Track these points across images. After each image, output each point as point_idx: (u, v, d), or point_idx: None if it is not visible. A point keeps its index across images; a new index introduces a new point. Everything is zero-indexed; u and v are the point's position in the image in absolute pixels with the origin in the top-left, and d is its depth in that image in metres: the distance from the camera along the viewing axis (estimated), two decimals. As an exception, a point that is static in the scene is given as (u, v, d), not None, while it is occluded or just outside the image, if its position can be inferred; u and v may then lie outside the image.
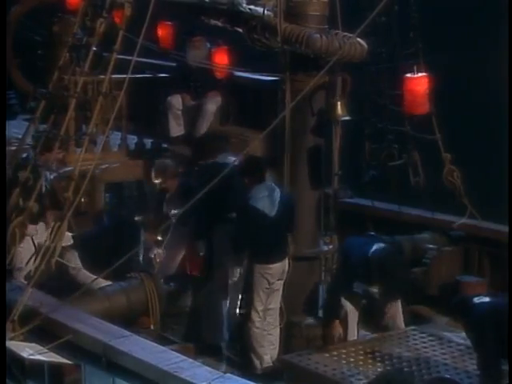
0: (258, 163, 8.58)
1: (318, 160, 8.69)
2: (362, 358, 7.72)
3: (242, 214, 8.42)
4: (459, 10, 12.30)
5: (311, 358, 7.67)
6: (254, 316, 8.23)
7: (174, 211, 8.92)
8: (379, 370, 7.38)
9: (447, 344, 7.97)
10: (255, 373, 8.11)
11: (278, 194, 8.31)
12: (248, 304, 8.35)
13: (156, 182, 9.17)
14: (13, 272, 7.91)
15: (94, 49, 7.49)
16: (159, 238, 8.58)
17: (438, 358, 7.78)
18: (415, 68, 9.04)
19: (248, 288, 8.34)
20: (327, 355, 7.70)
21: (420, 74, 9.05)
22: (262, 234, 8.27)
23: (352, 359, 7.69)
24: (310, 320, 8.52)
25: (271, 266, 8.23)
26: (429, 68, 9.14)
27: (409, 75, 9.06)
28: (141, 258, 9.22)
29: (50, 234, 7.31)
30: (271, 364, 8.23)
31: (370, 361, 7.67)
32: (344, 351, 7.79)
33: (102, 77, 7.66)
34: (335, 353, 7.75)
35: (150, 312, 8.02)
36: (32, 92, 10.84)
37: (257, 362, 8.24)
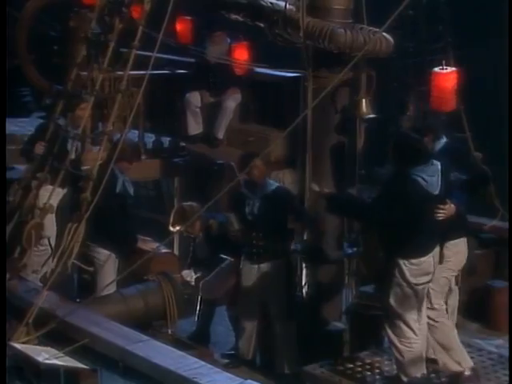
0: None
1: (341, 159, 8.53)
2: (387, 368, 7.45)
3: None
4: (492, 2, 12.03)
5: (334, 369, 7.43)
6: None
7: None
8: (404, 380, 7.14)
9: (477, 352, 7.70)
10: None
11: None
12: None
13: (172, 230, 8.33)
14: (28, 274, 7.76)
15: (113, 45, 7.31)
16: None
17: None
18: (444, 63, 8.83)
19: None
20: (351, 365, 7.47)
21: (449, 70, 8.83)
22: None
23: (377, 370, 7.45)
24: (333, 324, 8.34)
25: None
26: (458, 63, 8.93)
27: (437, 71, 8.84)
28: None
29: (67, 235, 7.13)
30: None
31: (394, 371, 7.38)
32: (368, 361, 7.56)
33: (120, 73, 7.49)
34: (359, 363, 7.52)
35: (168, 316, 7.85)
36: (48, 89, 10.71)
37: None
